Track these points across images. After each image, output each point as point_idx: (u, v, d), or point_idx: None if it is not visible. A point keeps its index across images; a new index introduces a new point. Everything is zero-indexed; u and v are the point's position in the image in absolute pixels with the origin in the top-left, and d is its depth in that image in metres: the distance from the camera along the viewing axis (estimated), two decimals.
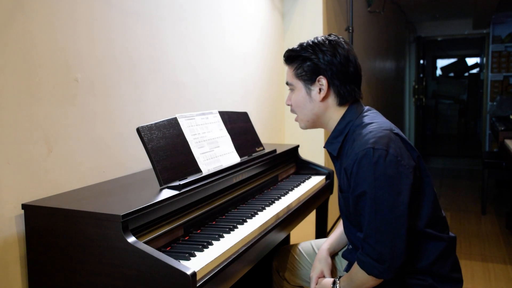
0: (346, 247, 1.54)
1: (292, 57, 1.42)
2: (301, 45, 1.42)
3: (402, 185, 1.23)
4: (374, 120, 1.34)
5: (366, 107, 1.43)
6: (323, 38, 1.41)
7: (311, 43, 1.40)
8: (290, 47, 1.45)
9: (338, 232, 1.64)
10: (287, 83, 1.46)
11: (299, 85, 1.41)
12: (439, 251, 1.33)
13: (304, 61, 1.39)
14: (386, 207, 1.22)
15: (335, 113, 1.41)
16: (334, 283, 1.42)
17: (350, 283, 1.36)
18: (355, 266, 1.33)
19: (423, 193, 1.32)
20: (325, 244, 1.62)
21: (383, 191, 1.22)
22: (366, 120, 1.36)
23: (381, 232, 1.23)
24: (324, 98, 1.39)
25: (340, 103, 1.40)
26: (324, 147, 1.47)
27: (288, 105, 1.48)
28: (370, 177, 1.22)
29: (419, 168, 1.30)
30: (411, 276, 1.33)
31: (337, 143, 1.40)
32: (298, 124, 1.49)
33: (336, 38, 1.41)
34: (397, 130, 1.32)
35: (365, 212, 1.25)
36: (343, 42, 1.41)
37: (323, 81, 1.37)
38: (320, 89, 1.38)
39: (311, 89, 1.39)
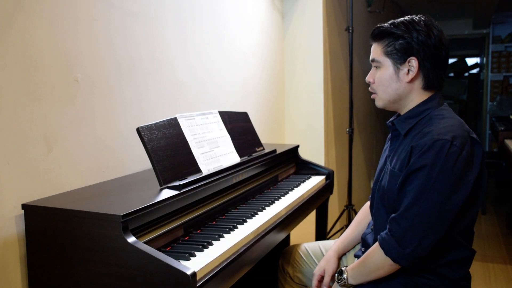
0: (359, 249, 1.54)
1: (383, 33, 1.37)
2: (393, 22, 1.37)
3: (461, 188, 1.23)
4: (454, 117, 1.33)
5: (445, 104, 1.40)
6: (417, 17, 1.36)
7: (405, 21, 1.35)
8: (378, 24, 1.39)
9: (348, 234, 1.64)
10: (372, 60, 1.41)
11: (388, 63, 1.37)
12: (458, 258, 1.33)
13: (396, 38, 1.34)
14: (436, 200, 1.21)
15: (417, 97, 1.37)
16: (340, 273, 1.41)
17: (361, 269, 1.36)
18: (373, 249, 1.33)
19: (470, 206, 1.30)
20: (334, 245, 1.61)
21: (441, 184, 1.21)
22: (445, 113, 1.33)
23: (420, 219, 1.22)
24: (411, 80, 1.35)
25: (426, 87, 1.36)
26: (392, 121, 1.44)
27: (368, 82, 1.43)
28: (436, 166, 1.21)
29: (479, 181, 1.28)
30: (419, 274, 1.32)
31: (409, 124, 1.36)
32: (375, 102, 1.44)
33: (428, 18, 1.36)
34: (474, 135, 1.30)
35: (411, 194, 1.24)
36: (436, 24, 1.36)
37: (414, 62, 1.33)
38: (409, 70, 1.34)
39: (400, 68, 1.35)
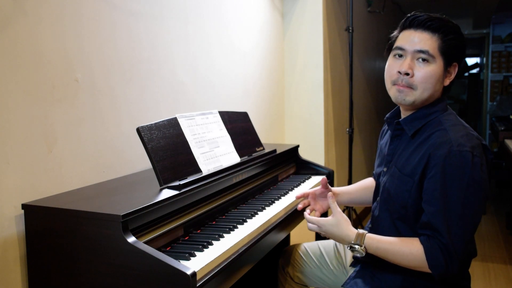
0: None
1: (443, 26, 1.27)
2: (445, 19, 1.29)
3: (483, 195, 1.23)
4: (464, 124, 1.31)
5: (449, 107, 1.38)
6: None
7: (446, 17, 1.29)
8: (431, 14, 1.29)
9: (352, 191, 1.66)
10: (422, 51, 1.27)
11: (440, 62, 1.28)
12: None
13: (456, 39, 1.27)
14: (470, 215, 1.20)
15: (434, 99, 1.34)
16: (357, 237, 1.29)
17: (384, 252, 1.27)
18: (411, 250, 1.23)
19: None
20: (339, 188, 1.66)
21: (473, 196, 1.20)
22: (453, 119, 1.31)
23: (460, 240, 1.20)
24: (446, 85, 1.32)
25: (444, 92, 1.34)
26: (396, 120, 1.38)
27: (405, 72, 1.28)
28: (463, 179, 1.19)
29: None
30: (419, 276, 1.31)
31: (417, 125, 1.33)
32: (406, 97, 1.30)
33: None
34: (484, 142, 1.29)
35: (449, 213, 1.20)
36: None
37: (455, 68, 1.30)
38: (447, 74, 1.31)
39: (447, 71, 1.30)
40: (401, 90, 1.30)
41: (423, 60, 1.28)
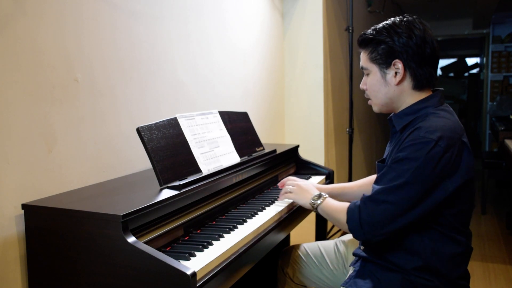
0: (358, 247, 1.53)
1: (366, 40, 1.41)
2: (375, 28, 1.40)
3: (434, 192, 1.25)
4: (450, 118, 1.33)
5: (446, 104, 1.41)
6: (398, 19, 1.38)
7: (386, 25, 1.38)
8: (362, 32, 1.43)
9: (348, 188, 1.74)
10: (361, 68, 1.45)
11: (374, 69, 1.40)
12: (455, 255, 1.33)
13: (378, 44, 1.37)
14: (406, 195, 1.24)
15: (409, 97, 1.39)
16: (319, 196, 1.49)
17: (329, 212, 1.44)
18: (343, 207, 1.38)
19: (456, 204, 1.30)
20: (329, 186, 1.75)
21: (415, 182, 1.24)
22: (442, 113, 1.34)
23: (385, 208, 1.27)
24: (399, 82, 1.37)
25: (416, 87, 1.37)
26: (388, 117, 1.48)
27: (363, 89, 1.47)
28: (414, 162, 1.24)
29: (470, 183, 1.30)
30: (418, 275, 1.32)
31: (405, 120, 1.38)
32: (372, 107, 1.48)
33: (411, 18, 1.38)
34: (465, 139, 1.31)
35: (384, 182, 1.28)
36: (418, 22, 1.37)
37: (398, 64, 1.35)
38: (396, 73, 1.36)
39: (386, 72, 1.38)
40: (369, 103, 1.48)
41: (366, 74, 1.45)
